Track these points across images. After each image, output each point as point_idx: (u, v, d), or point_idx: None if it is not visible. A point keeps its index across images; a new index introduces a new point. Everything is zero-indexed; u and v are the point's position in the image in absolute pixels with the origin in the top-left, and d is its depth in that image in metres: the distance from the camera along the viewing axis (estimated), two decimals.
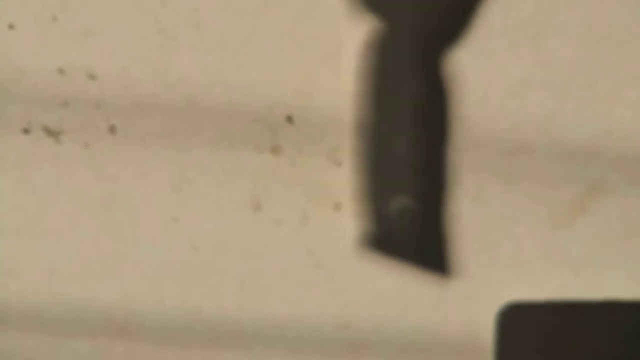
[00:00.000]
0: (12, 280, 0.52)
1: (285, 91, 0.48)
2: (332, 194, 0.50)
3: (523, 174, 0.51)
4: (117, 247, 0.51)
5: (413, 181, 0.49)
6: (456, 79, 0.48)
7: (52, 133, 0.48)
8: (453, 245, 0.50)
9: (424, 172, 0.48)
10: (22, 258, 0.51)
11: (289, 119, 0.48)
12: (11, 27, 0.47)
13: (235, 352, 0.54)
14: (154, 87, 0.48)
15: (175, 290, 0.52)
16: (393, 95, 0.48)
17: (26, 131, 0.49)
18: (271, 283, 0.52)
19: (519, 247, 0.52)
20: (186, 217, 0.51)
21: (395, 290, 0.53)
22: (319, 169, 0.50)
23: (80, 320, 0.53)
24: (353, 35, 0.47)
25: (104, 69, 0.47)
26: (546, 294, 0.53)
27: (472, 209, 0.51)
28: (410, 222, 0.48)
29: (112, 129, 0.49)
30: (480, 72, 0.48)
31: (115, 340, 0.54)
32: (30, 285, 0.52)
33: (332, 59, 0.48)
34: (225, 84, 0.48)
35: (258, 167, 0.49)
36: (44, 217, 0.50)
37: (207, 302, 0.52)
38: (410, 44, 0.47)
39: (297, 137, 0.49)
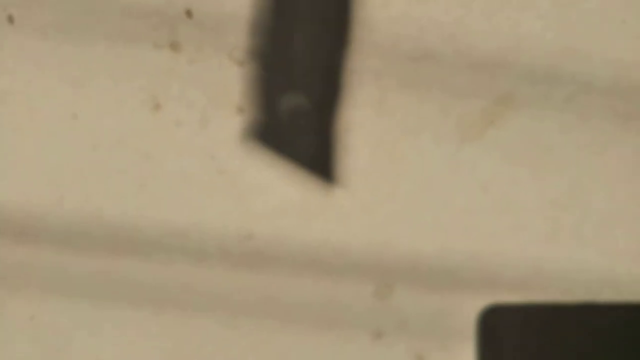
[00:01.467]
0: None
1: None
2: (233, 96, 0.50)
3: (429, 83, 0.50)
4: (15, 143, 0.51)
5: (309, 81, 0.48)
6: None
7: None
8: (349, 153, 0.50)
9: (322, 73, 0.48)
10: None
11: (188, 13, 0.48)
12: None
13: (134, 259, 0.54)
14: None
15: (75, 190, 0.52)
16: None
17: None
18: (171, 187, 0.52)
19: (424, 159, 0.52)
20: (85, 114, 0.51)
21: (300, 200, 0.53)
22: (220, 68, 0.49)
23: None
24: None
25: None
26: (452, 211, 0.53)
27: (374, 117, 0.51)
28: (302, 122, 0.48)
29: (10, 19, 0.48)
30: None
31: (13, 245, 0.54)
32: None
33: None
34: None
35: (156, 64, 0.49)
36: None
37: (107, 203, 0.53)
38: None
39: (197, 33, 0.49)
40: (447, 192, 0.53)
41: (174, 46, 0.49)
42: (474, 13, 0.49)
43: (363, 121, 0.51)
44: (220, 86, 0.50)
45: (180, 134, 0.51)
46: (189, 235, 0.54)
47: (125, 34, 0.49)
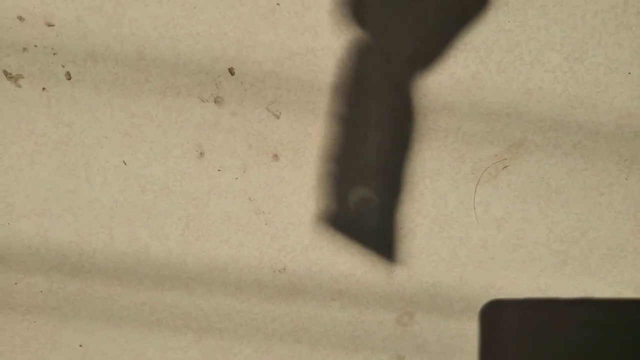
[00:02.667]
0: None
1: (227, 44, 0.53)
2: (270, 145, 0.55)
3: (446, 132, 0.55)
4: (71, 187, 0.56)
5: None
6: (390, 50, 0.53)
7: (12, 77, 0.53)
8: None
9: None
10: None
11: (231, 71, 0.53)
12: None
13: (178, 292, 0.59)
14: (107, 37, 0.53)
15: (124, 230, 0.57)
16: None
17: None
18: (213, 226, 0.57)
19: (442, 200, 0.57)
20: (135, 161, 0.56)
21: (329, 237, 0.58)
22: (259, 120, 0.55)
23: (36, 257, 0.58)
24: None
25: (61, 18, 0.52)
26: (469, 246, 0.58)
27: (401, 162, 0.56)
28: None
29: (68, 75, 0.54)
30: (410, 32, 0.53)
31: (67, 279, 0.59)
32: None
33: (271, 15, 0.53)
34: (172, 37, 0.53)
35: (202, 116, 0.54)
36: (4, 157, 0.55)
37: (153, 242, 0.58)
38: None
39: (238, 89, 0.54)
40: (464, 229, 0.58)
41: (218, 100, 0.54)
42: (489, 68, 0.54)
43: (389, 165, 0.56)
44: (259, 136, 0.55)
45: (222, 178, 0.56)
46: (228, 270, 0.60)
47: (173, 89, 0.54)
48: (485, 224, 0.59)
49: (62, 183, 0.58)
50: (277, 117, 0.56)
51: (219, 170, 0.57)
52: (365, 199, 0.55)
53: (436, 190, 0.58)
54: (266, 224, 0.58)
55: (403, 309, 0.61)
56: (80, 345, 0.62)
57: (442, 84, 0.56)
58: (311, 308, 0.61)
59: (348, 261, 0.59)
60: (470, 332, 0.62)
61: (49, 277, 0.60)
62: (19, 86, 0.55)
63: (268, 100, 0.56)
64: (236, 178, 0.57)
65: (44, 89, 0.55)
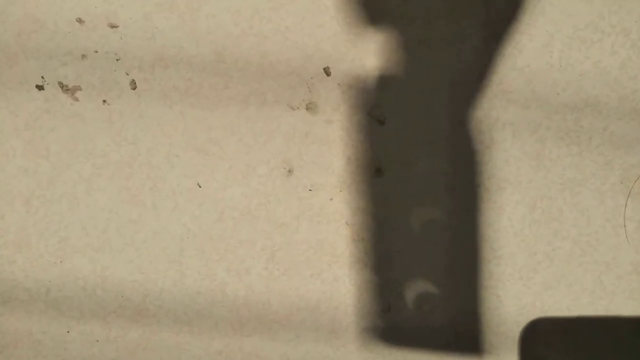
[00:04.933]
0: (20, 254, 0.49)
1: (322, 39, 0.45)
2: (373, 157, 0.47)
3: (590, 133, 0.46)
4: (135, 216, 0.48)
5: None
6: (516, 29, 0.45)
7: (68, 89, 0.46)
8: (505, 212, 0.46)
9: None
10: (31, 229, 0.49)
11: (326, 71, 0.45)
12: None
13: (260, 339, 0.50)
14: (179, 38, 0.45)
15: (197, 267, 0.49)
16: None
17: (40, 87, 0.46)
18: (303, 257, 0.48)
19: (585, 217, 0.47)
20: (211, 184, 0.47)
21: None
22: (359, 128, 0.46)
23: (92, 300, 0.50)
24: None
25: (126, 17, 0.45)
26: (617, 273, 0.48)
27: (531, 172, 0.47)
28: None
29: (132, 84, 0.46)
30: (542, 15, 0.45)
31: (129, 325, 0.50)
32: (39, 260, 0.49)
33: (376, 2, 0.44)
34: (256, 34, 0.45)
35: (291, 126, 0.46)
36: (57, 183, 0.48)
37: (232, 280, 0.49)
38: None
39: (335, 92, 0.45)
40: (611, 252, 0.48)
41: (311, 107, 0.46)
42: None
43: (519, 177, 0.47)
44: (359, 147, 0.47)
45: (314, 200, 0.48)
46: (321, 310, 0.50)
47: (258, 95, 0.46)
48: (637, 245, 0.49)
49: (125, 211, 0.50)
50: (382, 123, 0.47)
51: (311, 190, 0.48)
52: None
53: (577, 206, 0.49)
54: (366, 253, 0.49)
55: (539, 354, 0.51)
56: None
57: (585, 75, 0.47)
58: (422, 355, 0.51)
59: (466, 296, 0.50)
60: None
61: (106, 324, 0.52)
62: (76, 99, 0.48)
63: (370, 104, 0.47)
64: (331, 199, 0.49)
65: (104, 101, 0.48)
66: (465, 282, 0.50)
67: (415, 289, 0.51)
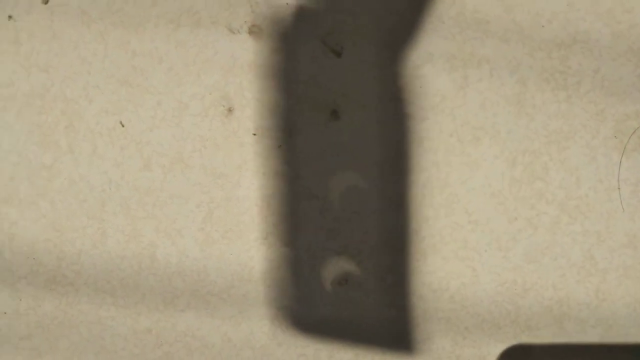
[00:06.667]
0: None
1: None
2: (328, 95, 0.40)
3: (579, 77, 0.40)
4: (48, 161, 0.43)
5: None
6: None
7: None
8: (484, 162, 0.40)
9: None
10: None
11: None
12: None
13: (196, 316, 0.44)
14: None
15: (121, 225, 0.44)
16: None
17: None
18: (247, 217, 0.42)
19: (574, 174, 0.41)
20: (136, 123, 0.42)
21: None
22: (311, 60, 0.40)
23: None
24: None
25: None
26: (610, 245, 0.42)
27: (513, 120, 0.40)
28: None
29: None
30: None
31: (43, 293, 0.44)
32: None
33: None
34: None
35: (231, 54, 0.41)
36: None
37: (162, 242, 0.43)
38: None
39: (283, 13, 0.39)
40: (603, 220, 0.42)
41: (254, 31, 0.41)
42: None
43: (497, 125, 0.41)
44: (311, 83, 0.41)
45: (259, 146, 0.41)
46: (267, 281, 0.43)
47: (190, 15, 0.41)
48: (634, 212, 0.43)
49: (35, 155, 0.44)
50: (338, 55, 0.41)
51: (255, 135, 0.42)
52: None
53: (564, 163, 0.42)
54: (320, 213, 0.42)
55: (517, 338, 0.44)
56: None
57: (574, 5, 0.41)
58: (382, 340, 0.44)
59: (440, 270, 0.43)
60: None
61: (15, 292, 0.46)
62: None
63: (324, 30, 0.41)
64: (279, 146, 0.42)
65: (10, 17, 0.42)
66: (432, 248, 0.44)
67: (377, 255, 0.44)
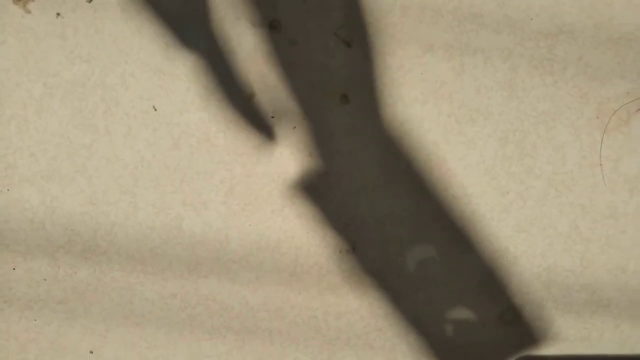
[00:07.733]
0: None
1: None
2: (339, 82, 0.44)
3: (564, 63, 0.44)
4: (87, 142, 0.48)
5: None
6: None
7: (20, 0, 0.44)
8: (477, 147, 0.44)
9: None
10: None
11: None
12: None
13: (217, 281, 0.47)
14: None
15: (151, 199, 0.48)
16: None
17: None
18: (264, 192, 0.46)
19: (559, 154, 0.45)
20: (167, 107, 0.46)
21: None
22: (325, 50, 0.44)
23: (39, 234, 0.47)
24: None
25: None
26: (593, 216, 0.46)
27: (503, 103, 0.44)
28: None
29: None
30: None
31: (80, 262, 0.48)
32: None
33: None
34: None
35: (252, 45, 0.44)
36: (5, 104, 0.47)
37: (188, 214, 0.47)
38: None
39: (301, 10, 0.43)
40: (587, 193, 0.46)
41: (274, 25, 0.44)
42: None
43: (490, 107, 0.45)
44: (324, 71, 0.45)
45: (276, 127, 0.45)
46: (282, 250, 0.47)
47: (217, 12, 0.44)
48: (614, 186, 0.47)
49: (76, 136, 0.48)
50: (348, 45, 0.45)
51: (273, 117, 0.46)
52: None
53: (551, 141, 0.47)
54: (330, 188, 0.46)
55: (507, 304, 0.47)
56: (91, 352, 0.50)
57: (560, 0, 0.45)
58: (387, 301, 0.48)
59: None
60: (594, 332, 0.48)
61: (54, 261, 0.50)
62: (29, 11, 0.46)
63: (336, 24, 0.45)
64: (294, 127, 0.46)
65: (58, 14, 0.46)
66: (433, 221, 0.48)
67: (382, 227, 0.48)
